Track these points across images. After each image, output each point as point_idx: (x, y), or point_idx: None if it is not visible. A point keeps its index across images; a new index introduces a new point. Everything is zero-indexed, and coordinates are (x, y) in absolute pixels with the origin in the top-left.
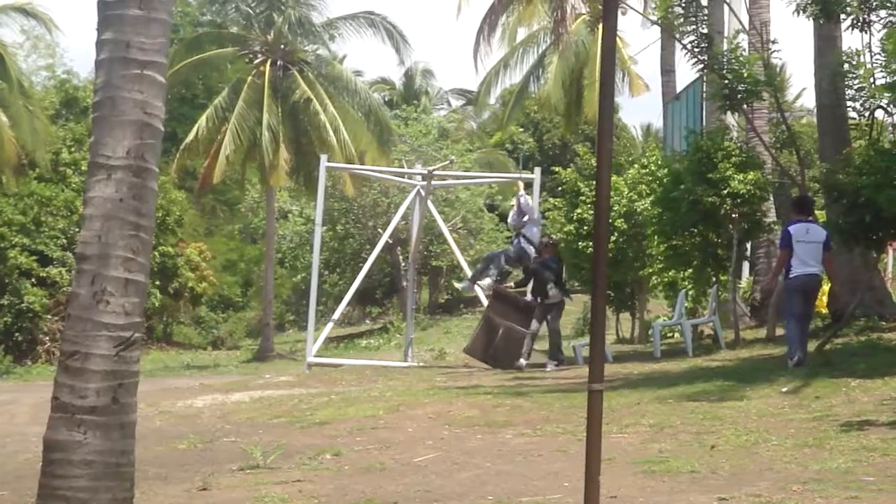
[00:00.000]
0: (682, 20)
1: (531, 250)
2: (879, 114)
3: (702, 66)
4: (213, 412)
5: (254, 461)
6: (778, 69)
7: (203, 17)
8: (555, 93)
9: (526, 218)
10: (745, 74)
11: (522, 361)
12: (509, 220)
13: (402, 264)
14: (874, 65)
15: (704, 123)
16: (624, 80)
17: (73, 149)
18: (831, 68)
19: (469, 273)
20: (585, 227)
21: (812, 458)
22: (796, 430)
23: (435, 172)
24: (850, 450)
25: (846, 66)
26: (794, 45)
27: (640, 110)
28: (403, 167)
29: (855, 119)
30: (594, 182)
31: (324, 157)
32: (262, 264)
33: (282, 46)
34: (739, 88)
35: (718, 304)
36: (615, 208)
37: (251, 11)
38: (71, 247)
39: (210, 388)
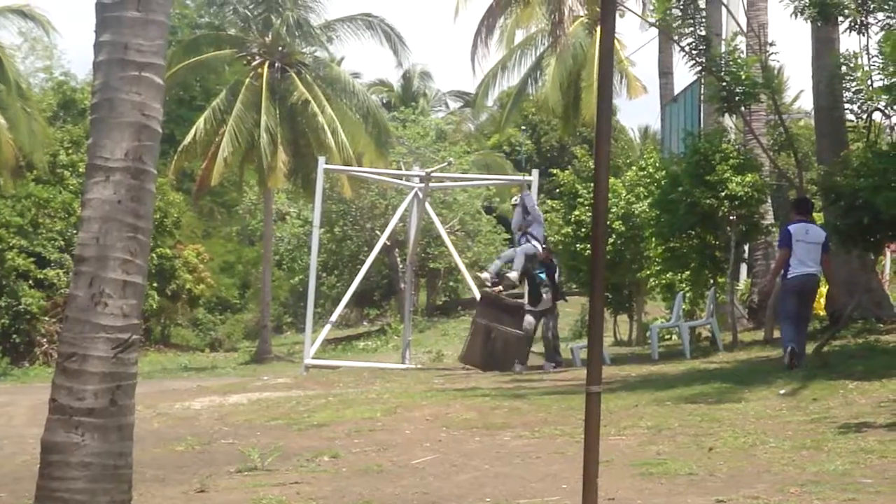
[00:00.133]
0: (679, 22)
1: (540, 248)
2: (877, 116)
3: (700, 68)
4: (211, 414)
5: (252, 463)
6: (776, 71)
7: (201, 20)
8: (552, 95)
9: (530, 217)
10: (743, 76)
11: (519, 367)
12: (514, 219)
13: (400, 266)
14: (872, 67)
15: (702, 125)
16: (622, 83)
17: (70, 150)
18: (829, 70)
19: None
20: (583, 230)
21: (810, 460)
22: (794, 433)
23: (433, 174)
24: (847, 452)
25: (844, 68)
26: (791, 48)
27: (637, 112)
28: (401, 169)
29: (853, 121)
30: (592, 184)
31: (322, 159)
32: (260, 266)
33: (280, 48)
34: (737, 91)
35: (716, 306)
36: (613, 210)
37: (249, 13)
38: (69, 248)
39: (208, 389)
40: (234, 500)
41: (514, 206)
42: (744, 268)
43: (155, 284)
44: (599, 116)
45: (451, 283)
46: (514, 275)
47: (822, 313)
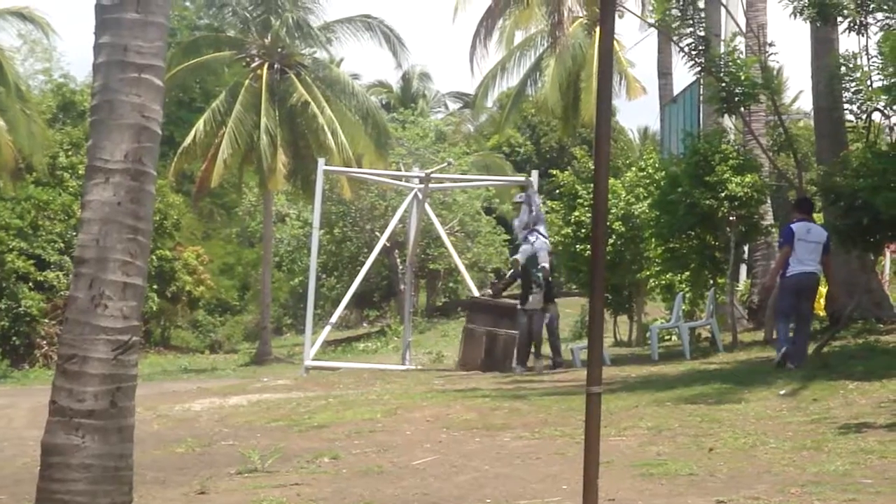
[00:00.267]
0: (679, 23)
1: (548, 245)
2: (876, 116)
3: (699, 68)
4: (211, 416)
5: (252, 465)
6: (775, 72)
7: (200, 21)
8: (552, 96)
9: (534, 214)
10: (743, 77)
11: (518, 368)
12: (520, 217)
13: (400, 267)
14: (871, 67)
15: (702, 126)
16: (621, 83)
17: (70, 152)
18: (828, 71)
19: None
20: (583, 230)
21: (810, 461)
22: (794, 433)
23: (432, 175)
24: (847, 452)
25: (843, 68)
26: (791, 48)
27: (637, 113)
28: (401, 170)
29: (852, 122)
30: (591, 185)
31: (321, 161)
32: (260, 268)
33: (279, 50)
34: (736, 91)
35: (716, 307)
36: (613, 211)
37: (248, 15)
38: (68, 251)
39: (208, 391)
40: (235, 501)
41: (518, 203)
42: (743, 268)
43: (155, 286)
44: (599, 117)
45: (450, 284)
46: (545, 267)
47: (822, 314)
